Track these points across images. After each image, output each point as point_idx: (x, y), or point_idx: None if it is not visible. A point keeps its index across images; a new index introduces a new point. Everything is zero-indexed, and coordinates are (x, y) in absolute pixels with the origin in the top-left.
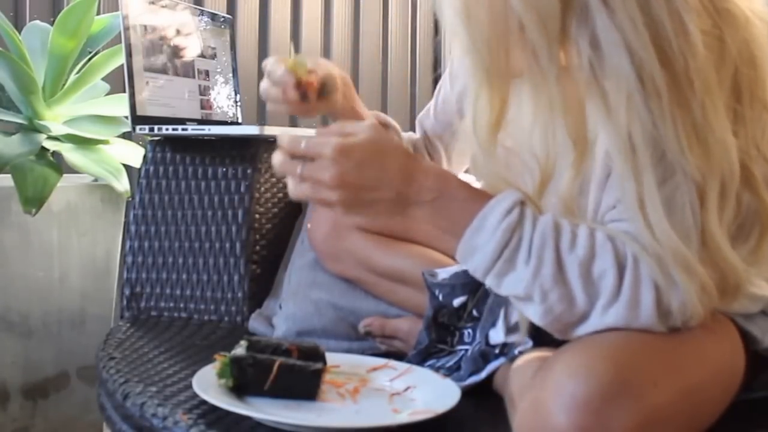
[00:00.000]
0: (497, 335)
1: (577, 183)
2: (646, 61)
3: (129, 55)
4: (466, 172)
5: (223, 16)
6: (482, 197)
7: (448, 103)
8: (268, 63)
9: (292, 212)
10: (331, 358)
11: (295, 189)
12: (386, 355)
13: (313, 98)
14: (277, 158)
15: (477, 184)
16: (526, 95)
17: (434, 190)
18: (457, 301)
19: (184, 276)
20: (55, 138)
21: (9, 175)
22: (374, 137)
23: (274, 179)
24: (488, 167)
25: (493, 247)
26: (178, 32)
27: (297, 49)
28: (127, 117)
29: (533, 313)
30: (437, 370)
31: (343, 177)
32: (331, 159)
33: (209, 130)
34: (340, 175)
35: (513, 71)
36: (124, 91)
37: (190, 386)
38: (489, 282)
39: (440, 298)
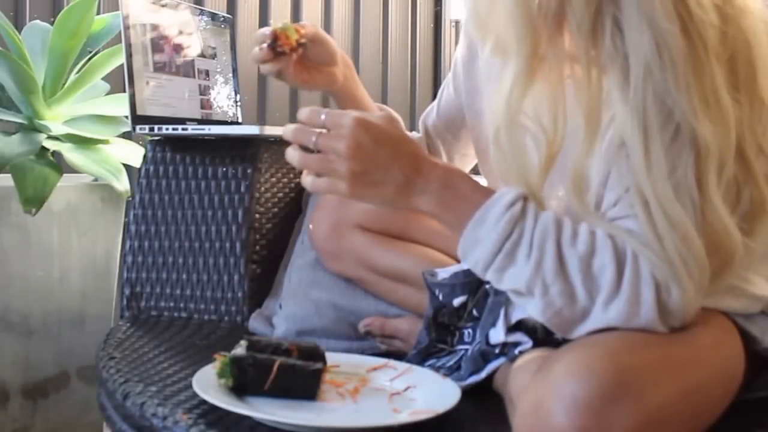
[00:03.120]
0: (497, 335)
1: (587, 162)
2: (667, 32)
3: (129, 54)
4: (470, 172)
5: (223, 16)
6: (486, 191)
7: (450, 105)
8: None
9: (292, 212)
10: (331, 357)
11: (303, 160)
12: (386, 354)
13: (287, 51)
14: (291, 127)
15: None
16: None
17: (440, 181)
18: (457, 301)
19: (184, 276)
20: (55, 138)
21: (9, 175)
22: (391, 122)
23: (274, 179)
24: (509, 143)
25: (494, 239)
26: (178, 32)
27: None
28: (127, 117)
29: (534, 309)
30: (437, 369)
31: (358, 148)
32: (349, 128)
33: (209, 129)
34: (355, 145)
35: (538, 49)
36: (124, 91)
37: (190, 386)
38: (490, 276)
39: (440, 297)
